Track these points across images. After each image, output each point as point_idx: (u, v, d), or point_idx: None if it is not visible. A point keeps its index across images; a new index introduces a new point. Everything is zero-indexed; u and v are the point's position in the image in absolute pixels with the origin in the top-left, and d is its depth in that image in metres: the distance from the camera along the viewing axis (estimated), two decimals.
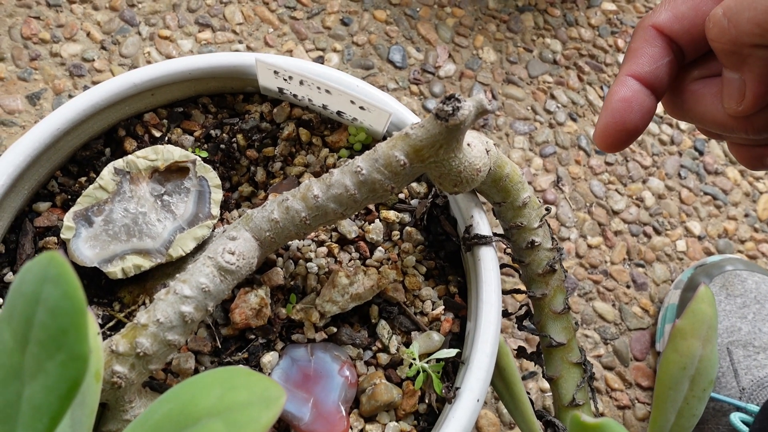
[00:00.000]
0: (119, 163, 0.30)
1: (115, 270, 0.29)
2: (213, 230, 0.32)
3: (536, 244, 0.32)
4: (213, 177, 0.31)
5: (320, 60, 0.61)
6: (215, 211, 0.31)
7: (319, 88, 0.32)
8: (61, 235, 0.29)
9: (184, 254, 0.30)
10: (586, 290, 0.56)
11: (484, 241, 0.31)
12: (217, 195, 0.31)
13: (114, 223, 0.29)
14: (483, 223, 0.32)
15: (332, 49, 0.62)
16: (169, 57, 0.57)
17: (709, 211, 0.62)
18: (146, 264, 0.30)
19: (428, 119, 0.25)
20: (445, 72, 0.63)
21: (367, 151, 0.27)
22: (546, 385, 0.52)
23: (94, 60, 0.55)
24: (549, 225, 0.33)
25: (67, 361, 0.17)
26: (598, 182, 0.61)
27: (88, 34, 0.57)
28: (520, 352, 0.36)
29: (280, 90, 0.34)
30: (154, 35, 0.58)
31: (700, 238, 0.61)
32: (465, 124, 0.24)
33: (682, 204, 0.62)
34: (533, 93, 0.64)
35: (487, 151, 0.28)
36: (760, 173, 0.65)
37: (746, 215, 0.63)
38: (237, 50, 0.59)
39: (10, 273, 0.30)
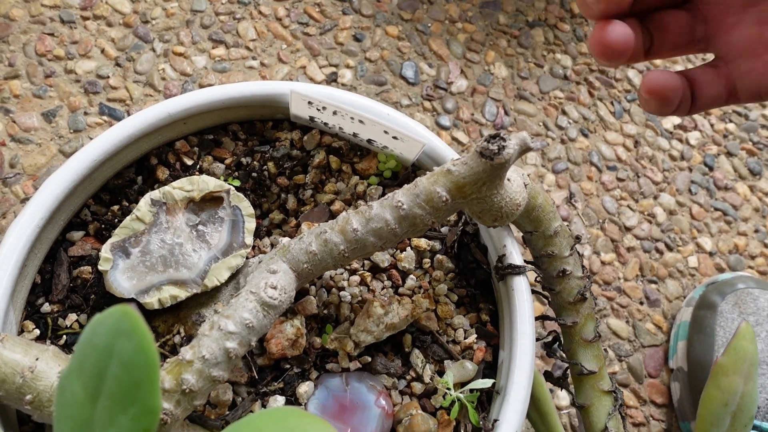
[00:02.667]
0: (156, 194, 0.30)
1: (152, 301, 0.29)
2: (247, 259, 0.32)
3: (567, 272, 0.32)
4: (246, 206, 0.31)
5: (334, 76, 0.61)
6: (249, 240, 0.31)
7: (352, 118, 0.32)
8: (99, 267, 0.29)
9: (218, 284, 0.30)
10: (600, 307, 0.57)
11: (517, 271, 0.31)
12: (251, 224, 0.31)
13: (151, 254, 0.29)
14: (516, 253, 0.32)
15: (345, 65, 0.62)
16: (183, 74, 0.57)
17: (719, 227, 0.63)
18: (182, 294, 0.30)
19: (472, 156, 0.26)
20: (458, 88, 0.63)
21: (406, 186, 0.27)
22: (562, 402, 0.52)
23: (108, 77, 0.55)
24: (579, 253, 0.33)
25: (140, 415, 0.17)
26: (610, 198, 0.62)
27: (103, 51, 0.56)
28: (547, 377, 0.36)
29: (311, 118, 0.34)
30: (168, 52, 0.58)
31: (711, 254, 0.61)
32: (510, 162, 0.25)
33: (693, 220, 0.63)
34: (545, 109, 0.64)
35: (525, 185, 0.29)
36: (765, 186, 0.66)
37: (756, 231, 0.64)
38: (251, 66, 0.59)
39: (47, 304, 0.30)
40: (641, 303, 0.58)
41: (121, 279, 0.29)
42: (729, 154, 0.67)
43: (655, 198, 0.63)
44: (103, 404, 0.17)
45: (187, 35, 0.59)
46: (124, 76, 0.56)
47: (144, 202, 0.30)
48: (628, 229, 0.61)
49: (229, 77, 0.57)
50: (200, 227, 0.30)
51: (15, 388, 0.24)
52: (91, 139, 0.52)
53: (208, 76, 0.57)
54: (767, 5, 0.25)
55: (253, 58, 0.59)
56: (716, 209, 0.63)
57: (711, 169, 0.65)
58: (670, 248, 0.61)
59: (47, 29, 0.56)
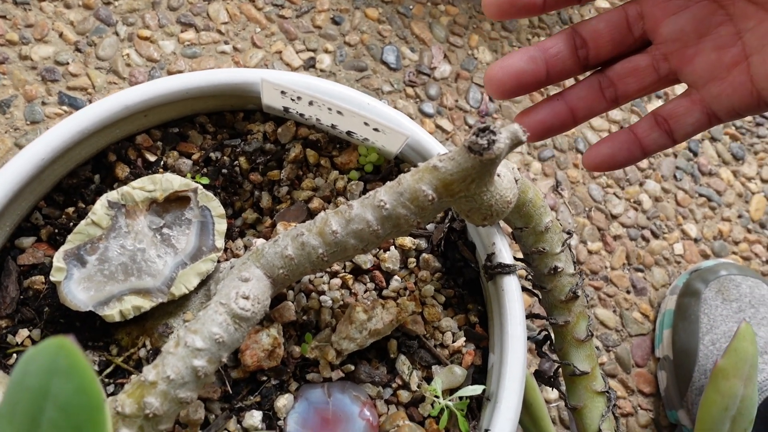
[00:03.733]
0: (113, 195, 0.27)
1: (112, 313, 0.27)
2: (218, 263, 0.29)
3: (559, 270, 0.31)
4: (216, 206, 0.29)
5: (311, 62, 0.58)
6: (219, 243, 0.29)
7: (330, 108, 0.29)
8: (51, 278, 0.26)
9: (187, 292, 0.28)
10: (588, 297, 0.56)
11: (507, 270, 0.30)
12: (221, 226, 0.29)
13: (110, 261, 0.27)
14: (505, 251, 0.30)
15: (323, 50, 0.59)
16: (150, 59, 0.54)
17: (704, 213, 0.62)
18: (146, 305, 0.27)
19: (459, 151, 0.23)
20: (441, 73, 0.61)
21: (389, 183, 0.25)
22: (550, 395, 0.51)
23: (68, 63, 0.51)
24: (571, 249, 0.32)
25: None
26: (596, 186, 0.60)
27: (61, 35, 0.52)
28: (537, 377, 0.35)
29: (286, 109, 0.31)
30: (133, 36, 0.54)
31: (696, 240, 0.61)
32: (500, 158, 0.23)
33: (678, 206, 0.62)
34: (530, 95, 0.62)
35: (516, 180, 0.27)
36: (751, 172, 0.66)
37: (739, 216, 0.63)
38: (223, 51, 0.56)
39: None
40: (628, 292, 0.57)
41: (77, 290, 0.26)
42: (713, 140, 0.66)
43: (641, 185, 0.62)
44: None
45: (154, 18, 0.55)
46: (85, 63, 0.52)
47: (100, 204, 0.27)
48: (614, 217, 0.59)
49: (199, 63, 0.54)
50: (165, 230, 0.28)
51: None
52: None
53: (177, 62, 0.54)
54: (718, 32, 0.26)
55: (225, 43, 0.56)
56: (701, 195, 0.63)
57: (695, 154, 0.65)
58: (656, 236, 0.60)
59: None
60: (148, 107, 0.29)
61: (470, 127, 0.59)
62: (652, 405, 0.54)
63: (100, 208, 0.27)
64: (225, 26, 0.57)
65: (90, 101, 0.50)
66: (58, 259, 0.26)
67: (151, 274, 0.27)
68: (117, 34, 0.54)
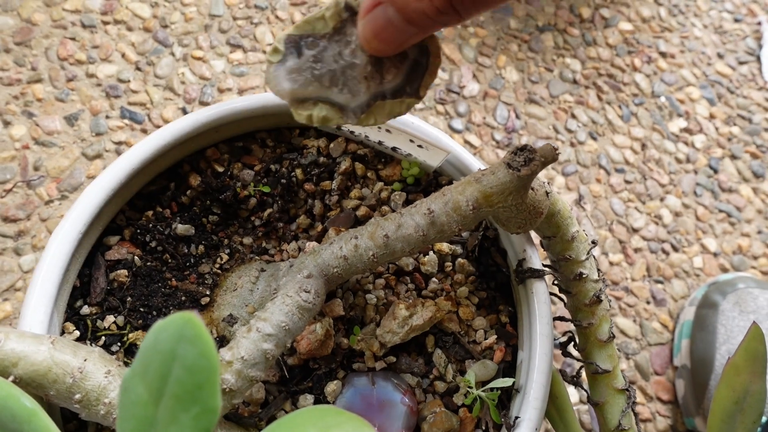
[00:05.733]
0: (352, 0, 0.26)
1: (303, 114, 0.26)
2: (280, 263, 0.33)
3: (584, 276, 0.34)
4: (436, 53, 0.27)
5: None
6: (423, 92, 0.27)
7: (380, 127, 0.33)
8: (267, 57, 0.26)
9: (373, 124, 0.27)
10: (610, 303, 0.58)
11: (537, 274, 0.33)
12: (431, 79, 0.27)
13: (322, 63, 0.26)
14: (535, 257, 0.33)
15: None
16: (202, 77, 0.58)
17: (723, 228, 0.64)
18: (335, 120, 0.26)
19: (499, 167, 0.27)
20: (470, 92, 0.64)
21: (434, 194, 0.29)
22: (571, 398, 0.54)
23: (129, 81, 0.56)
24: (595, 257, 0.35)
25: (201, 414, 0.18)
26: (618, 200, 0.63)
27: (123, 55, 0.57)
28: (561, 375, 0.37)
29: (338, 127, 0.35)
30: (188, 56, 0.59)
31: (715, 254, 0.63)
32: (535, 173, 0.26)
33: (698, 221, 0.64)
34: (554, 112, 0.66)
35: (547, 193, 0.30)
36: None
37: (759, 232, 0.65)
38: None
39: (86, 306, 0.31)
40: (648, 302, 0.59)
41: (283, 77, 0.26)
42: (733, 157, 0.68)
43: (662, 200, 0.64)
44: (166, 404, 0.18)
45: (206, 39, 0.60)
46: (144, 80, 0.57)
47: (334, 2, 0.26)
48: (635, 231, 0.62)
49: (247, 81, 0.58)
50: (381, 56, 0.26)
51: (65, 387, 0.25)
52: (113, 142, 0.53)
53: (227, 80, 0.58)
54: None
55: None
56: (720, 211, 0.65)
57: (716, 171, 0.67)
58: (675, 249, 0.62)
59: (69, 33, 0.57)
60: (219, 124, 0.33)
61: (497, 142, 0.62)
62: (670, 412, 0.56)
63: (334, 6, 0.26)
64: (270, 47, 0.61)
65: (149, 116, 0.55)
66: (279, 41, 0.26)
67: (352, 92, 0.26)
68: (173, 54, 0.58)
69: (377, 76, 0.26)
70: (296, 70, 0.26)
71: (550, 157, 0.26)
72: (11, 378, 0.24)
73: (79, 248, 0.30)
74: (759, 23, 0.77)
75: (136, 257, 0.32)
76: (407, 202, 0.36)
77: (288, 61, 0.26)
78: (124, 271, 0.32)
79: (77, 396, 0.25)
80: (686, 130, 0.68)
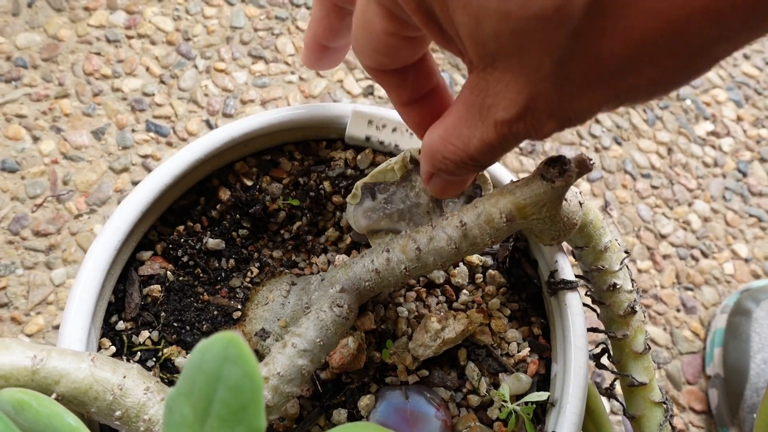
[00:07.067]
0: (414, 152, 0.32)
1: (377, 241, 0.32)
2: (309, 275, 0.33)
3: (617, 286, 0.33)
4: (488, 188, 0.32)
5: (370, 89, 0.62)
6: None
7: (411, 134, 0.33)
8: (347, 200, 0.32)
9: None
10: (644, 312, 0.57)
11: (570, 286, 0.32)
12: None
13: (392, 204, 0.32)
14: (567, 268, 0.33)
15: None
16: (225, 89, 0.59)
17: (754, 233, 0.63)
18: None
19: (532, 178, 0.26)
20: None
21: (466, 206, 0.28)
22: None
23: (154, 94, 0.57)
24: (628, 267, 0.34)
25: None
26: (645, 206, 0.62)
27: (147, 69, 0.58)
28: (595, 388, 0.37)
29: (367, 138, 0.35)
30: (210, 68, 0.59)
31: (746, 260, 0.61)
32: (569, 184, 0.26)
33: (727, 226, 0.63)
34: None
35: (580, 204, 0.29)
36: None
37: None
38: (290, 81, 0.60)
39: (120, 321, 0.31)
40: (678, 310, 0.58)
41: (360, 216, 0.32)
42: (762, 160, 0.66)
43: (690, 205, 0.63)
44: (211, 424, 0.18)
45: (228, 51, 0.60)
46: (168, 93, 0.58)
47: (401, 157, 0.31)
48: (663, 237, 0.61)
49: (269, 92, 0.59)
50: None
51: (106, 405, 0.25)
52: (139, 155, 0.54)
53: (249, 92, 0.59)
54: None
55: (292, 73, 0.61)
56: (751, 215, 0.63)
57: (744, 175, 0.65)
58: (705, 255, 0.61)
59: (94, 49, 0.58)
60: (248, 138, 0.33)
61: (520, 149, 0.61)
62: (703, 422, 0.54)
63: (401, 161, 0.31)
64: (291, 58, 0.62)
65: (174, 128, 0.56)
66: (357, 187, 0.32)
67: (416, 224, 0.32)
68: (196, 67, 0.59)
69: (438, 210, 0.31)
70: (371, 210, 0.32)
71: (584, 168, 0.26)
72: (54, 396, 0.24)
73: (113, 265, 0.30)
74: None
75: (168, 272, 0.32)
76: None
77: (364, 203, 0.32)
78: (158, 286, 0.32)
79: (117, 413, 0.25)
80: (713, 133, 0.67)
